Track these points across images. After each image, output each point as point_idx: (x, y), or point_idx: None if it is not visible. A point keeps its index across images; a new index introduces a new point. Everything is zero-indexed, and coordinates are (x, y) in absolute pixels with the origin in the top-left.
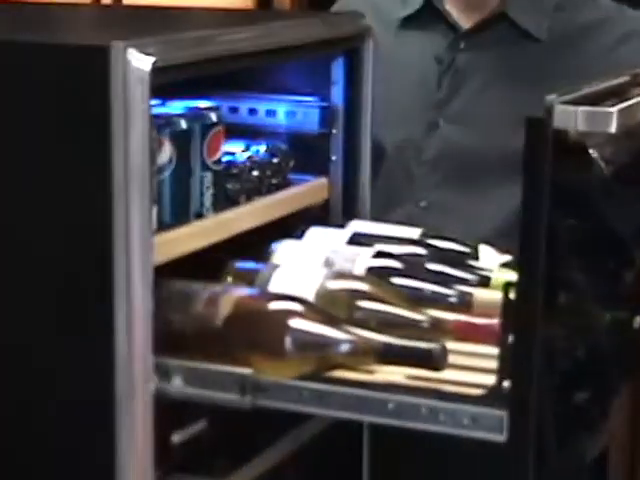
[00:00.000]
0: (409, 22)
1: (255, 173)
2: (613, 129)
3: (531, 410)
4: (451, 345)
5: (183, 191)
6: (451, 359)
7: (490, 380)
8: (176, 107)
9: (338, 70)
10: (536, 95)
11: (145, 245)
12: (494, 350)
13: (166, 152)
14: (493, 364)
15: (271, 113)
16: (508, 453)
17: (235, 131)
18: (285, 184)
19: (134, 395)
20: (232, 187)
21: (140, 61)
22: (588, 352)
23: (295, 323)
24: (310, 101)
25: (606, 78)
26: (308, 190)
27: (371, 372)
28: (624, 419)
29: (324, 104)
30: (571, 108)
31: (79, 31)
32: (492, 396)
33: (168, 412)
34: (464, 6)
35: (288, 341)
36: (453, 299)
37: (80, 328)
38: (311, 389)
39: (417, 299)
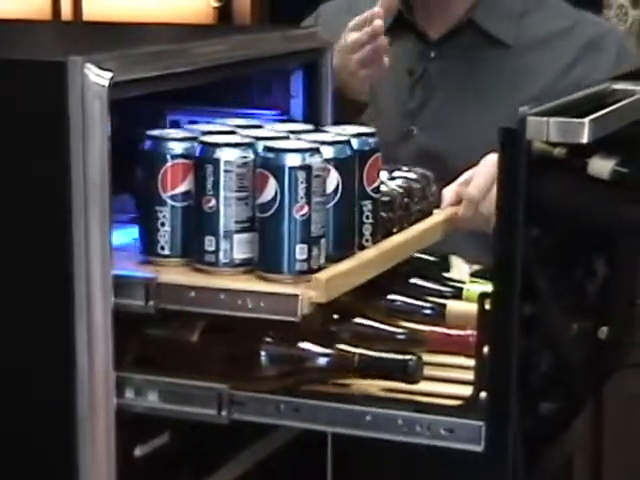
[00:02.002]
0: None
1: (405, 200)
2: (585, 139)
3: (509, 420)
4: (428, 357)
5: (348, 222)
6: (428, 371)
7: (467, 391)
8: (338, 134)
9: (297, 84)
10: (505, 100)
11: (105, 259)
12: (471, 362)
13: (333, 180)
14: (470, 376)
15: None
16: (486, 463)
17: None
18: (429, 210)
19: (96, 411)
20: (386, 216)
21: (98, 76)
22: (560, 363)
23: (270, 337)
24: (270, 115)
25: (579, 89)
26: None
27: (348, 385)
28: (588, 427)
29: (284, 118)
30: (543, 119)
31: (37, 46)
32: (469, 407)
33: (131, 426)
34: (432, 16)
35: (264, 355)
36: (427, 311)
37: (41, 344)
38: (288, 402)
39: (391, 311)
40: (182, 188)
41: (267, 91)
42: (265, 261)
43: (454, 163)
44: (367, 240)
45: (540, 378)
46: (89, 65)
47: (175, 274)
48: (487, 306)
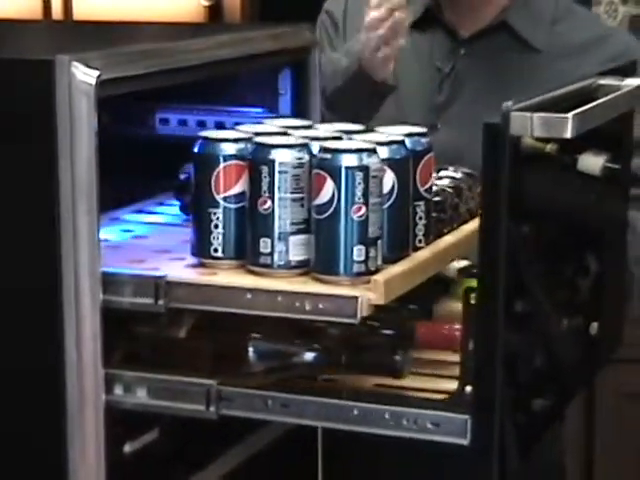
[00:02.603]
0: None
1: (455, 200)
2: (569, 134)
3: (494, 414)
4: (416, 353)
5: (403, 222)
6: (416, 367)
7: (455, 386)
8: (390, 134)
9: (285, 81)
10: None
11: (93, 256)
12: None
13: (389, 181)
14: (458, 371)
15: (220, 125)
16: (472, 457)
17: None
18: (476, 210)
19: (85, 408)
20: (437, 216)
21: (85, 74)
22: (547, 358)
23: (259, 332)
24: (258, 112)
25: (564, 85)
26: None
27: (336, 380)
28: (579, 423)
29: (272, 115)
30: (527, 114)
31: (26, 45)
32: (455, 401)
33: (120, 422)
34: (462, 17)
35: (252, 351)
36: (415, 306)
37: (29, 342)
38: (276, 398)
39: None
40: (236, 189)
41: (255, 89)
42: (322, 263)
43: (474, 161)
44: (420, 241)
45: (527, 372)
46: (76, 63)
47: (229, 276)
48: (472, 301)
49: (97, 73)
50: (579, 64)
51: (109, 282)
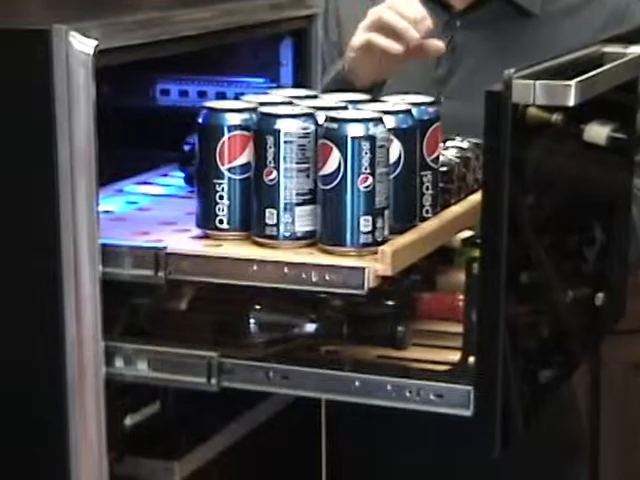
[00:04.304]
0: None
1: (462, 170)
2: (572, 102)
3: (497, 384)
4: (419, 324)
5: (410, 192)
6: (419, 338)
7: (458, 357)
8: (397, 103)
9: (286, 51)
10: None
11: (92, 228)
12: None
13: (395, 151)
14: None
15: (221, 95)
16: (475, 427)
17: (186, 115)
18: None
19: (85, 380)
20: (445, 186)
21: (82, 44)
22: (552, 329)
23: (259, 304)
24: (259, 82)
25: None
26: None
27: (338, 352)
28: (584, 394)
29: (273, 85)
30: (529, 82)
31: (24, 15)
32: (458, 372)
33: (121, 395)
34: None
35: (253, 322)
36: (418, 277)
37: (29, 315)
38: (277, 369)
39: None
40: (240, 160)
41: (256, 59)
42: (328, 234)
43: (479, 131)
44: (427, 211)
45: (531, 343)
46: (74, 33)
47: (235, 247)
48: (474, 271)
49: (95, 43)
50: (578, 23)
51: (109, 254)
